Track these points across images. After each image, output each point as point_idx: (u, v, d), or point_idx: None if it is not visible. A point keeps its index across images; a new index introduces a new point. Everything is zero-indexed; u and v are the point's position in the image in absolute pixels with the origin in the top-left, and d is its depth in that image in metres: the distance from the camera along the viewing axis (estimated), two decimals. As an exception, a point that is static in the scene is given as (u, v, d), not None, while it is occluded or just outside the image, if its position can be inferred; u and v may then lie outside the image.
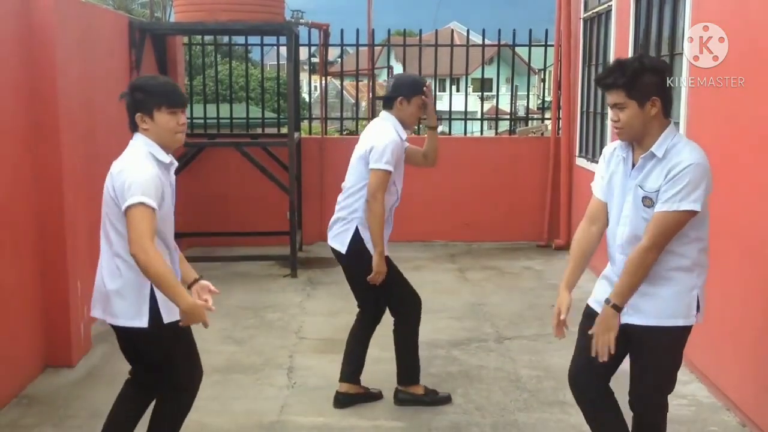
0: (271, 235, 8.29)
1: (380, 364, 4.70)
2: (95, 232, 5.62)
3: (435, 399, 4.47)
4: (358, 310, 4.56)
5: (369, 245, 4.24)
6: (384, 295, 4.40)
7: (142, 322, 3.15)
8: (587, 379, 3.27)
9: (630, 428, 3.33)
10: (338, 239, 4.34)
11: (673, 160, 2.96)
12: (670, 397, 4.68)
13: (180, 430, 3.44)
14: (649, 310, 3.08)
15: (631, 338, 3.13)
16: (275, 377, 4.88)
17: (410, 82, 4.40)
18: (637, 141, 3.05)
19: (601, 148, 7.32)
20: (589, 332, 3.09)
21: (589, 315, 3.20)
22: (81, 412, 4.30)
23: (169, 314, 3.16)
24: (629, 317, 3.09)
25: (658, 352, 3.15)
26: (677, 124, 5.19)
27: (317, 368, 5.04)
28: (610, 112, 3.08)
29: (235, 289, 6.86)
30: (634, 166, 3.07)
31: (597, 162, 7.65)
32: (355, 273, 4.36)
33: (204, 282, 3.35)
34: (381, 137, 4.21)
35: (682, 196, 2.91)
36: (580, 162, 8.17)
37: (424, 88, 4.32)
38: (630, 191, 3.07)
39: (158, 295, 3.13)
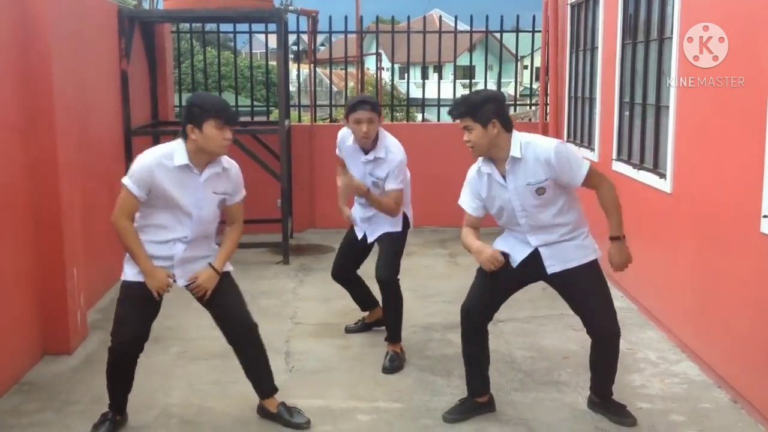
0: (261, 223, 8.30)
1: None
2: (90, 219, 5.68)
3: None
4: (350, 296, 5.17)
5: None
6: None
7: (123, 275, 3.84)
8: (485, 315, 4.09)
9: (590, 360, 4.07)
10: None
11: (540, 153, 3.69)
12: (664, 376, 4.82)
13: (113, 386, 3.90)
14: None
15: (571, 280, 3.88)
16: (273, 361, 4.83)
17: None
18: (490, 155, 3.81)
19: (589, 133, 7.38)
20: (612, 263, 3.86)
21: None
22: (83, 398, 4.33)
23: (127, 274, 3.78)
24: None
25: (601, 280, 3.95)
26: (666, 107, 5.26)
27: (314, 352, 5.09)
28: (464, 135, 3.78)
29: (229, 276, 6.86)
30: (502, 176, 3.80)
31: (585, 147, 7.68)
32: None
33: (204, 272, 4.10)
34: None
35: (579, 163, 3.74)
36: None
37: None
38: (518, 192, 3.76)
39: (127, 256, 3.79)
